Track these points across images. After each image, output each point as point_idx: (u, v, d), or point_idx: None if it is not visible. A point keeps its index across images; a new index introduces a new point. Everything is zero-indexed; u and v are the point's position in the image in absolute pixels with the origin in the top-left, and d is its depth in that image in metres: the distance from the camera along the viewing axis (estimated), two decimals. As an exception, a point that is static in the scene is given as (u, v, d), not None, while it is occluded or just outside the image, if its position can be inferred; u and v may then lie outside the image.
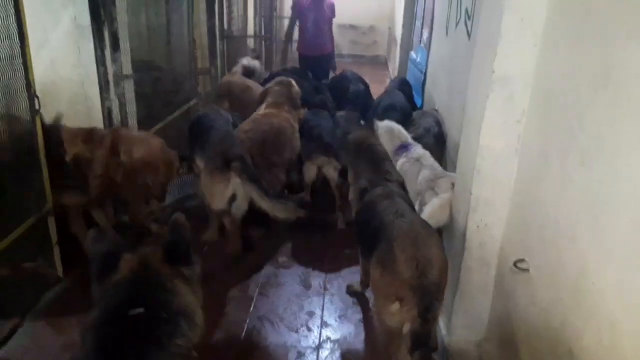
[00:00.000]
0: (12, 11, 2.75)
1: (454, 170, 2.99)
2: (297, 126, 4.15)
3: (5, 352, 2.61)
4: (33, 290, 3.06)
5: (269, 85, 4.36)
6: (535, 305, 1.87)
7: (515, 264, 1.99)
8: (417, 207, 2.95)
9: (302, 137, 4.12)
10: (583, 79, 1.60)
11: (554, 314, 1.72)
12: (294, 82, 4.38)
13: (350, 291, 3.20)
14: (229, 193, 3.30)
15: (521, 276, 2.00)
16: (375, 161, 2.89)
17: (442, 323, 2.66)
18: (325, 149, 3.91)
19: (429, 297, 2.02)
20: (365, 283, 3.06)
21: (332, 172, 3.95)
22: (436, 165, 3.30)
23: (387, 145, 3.46)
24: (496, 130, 2.12)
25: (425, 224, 2.35)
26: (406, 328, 2.07)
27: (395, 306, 2.09)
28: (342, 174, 3.69)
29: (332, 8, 6.19)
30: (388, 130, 3.61)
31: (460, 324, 2.49)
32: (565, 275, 1.65)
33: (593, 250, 1.49)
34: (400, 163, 3.39)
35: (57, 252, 3.17)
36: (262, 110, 4.17)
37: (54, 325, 2.80)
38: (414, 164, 3.30)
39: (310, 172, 4.03)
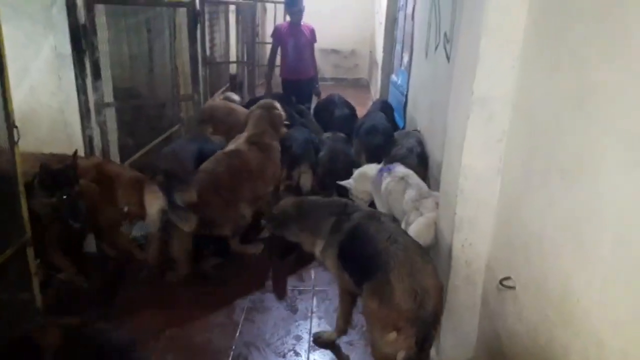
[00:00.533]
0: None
1: (437, 189, 3.01)
2: (274, 154, 4.04)
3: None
4: (13, 322, 2.97)
5: (252, 109, 4.29)
6: (522, 323, 1.87)
7: (501, 282, 2.00)
8: (403, 226, 2.99)
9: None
10: (560, 99, 1.64)
11: (540, 331, 1.72)
12: (276, 104, 4.28)
13: (320, 341, 2.92)
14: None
15: (507, 294, 2.01)
16: (324, 203, 2.85)
17: (431, 344, 2.64)
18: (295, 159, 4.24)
19: (427, 327, 2.05)
20: (341, 330, 2.87)
21: (304, 179, 4.29)
22: (422, 184, 3.32)
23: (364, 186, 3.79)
24: (477, 150, 2.15)
25: (419, 248, 2.33)
26: (400, 355, 2.07)
27: (392, 335, 2.09)
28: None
29: (312, 33, 6.28)
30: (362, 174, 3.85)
31: (449, 343, 2.47)
32: (550, 293, 1.65)
33: (577, 267, 1.50)
34: (385, 183, 3.41)
35: (36, 282, 3.09)
36: (236, 142, 3.96)
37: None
38: (399, 182, 3.31)
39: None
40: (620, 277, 1.30)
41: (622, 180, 1.30)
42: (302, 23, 6.11)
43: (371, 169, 3.75)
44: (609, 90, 1.36)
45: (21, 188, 2.98)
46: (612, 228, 1.34)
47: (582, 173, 1.50)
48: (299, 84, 6.22)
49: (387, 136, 4.36)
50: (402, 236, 2.37)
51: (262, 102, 4.32)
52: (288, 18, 6.32)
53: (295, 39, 6.08)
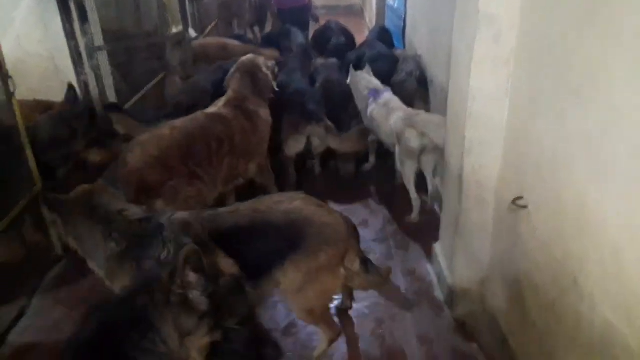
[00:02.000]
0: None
1: (441, 113, 3.00)
2: (262, 125, 3.37)
3: (18, 332, 2.62)
4: (36, 270, 3.05)
5: (230, 73, 3.50)
6: (536, 240, 1.91)
7: (513, 202, 2.02)
8: (397, 149, 3.44)
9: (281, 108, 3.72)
10: (570, 14, 1.58)
11: (555, 246, 1.76)
12: (259, 63, 3.50)
13: None
14: None
15: (520, 213, 2.04)
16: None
17: (444, 264, 2.73)
18: (310, 117, 3.73)
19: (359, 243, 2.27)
20: None
21: (317, 142, 3.80)
22: (404, 106, 3.57)
23: (361, 91, 3.84)
24: (485, 71, 2.10)
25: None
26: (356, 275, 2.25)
27: (342, 270, 2.19)
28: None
29: None
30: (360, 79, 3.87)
31: (462, 264, 2.55)
32: (565, 208, 1.68)
33: (592, 181, 1.51)
34: (370, 110, 3.73)
35: (53, 231, 3.14)
36: (216, 105, 3.31)
37: (62, 302, 2.82)
38: (381, 109, 3.61)
39: (297, 144, 3.79)
40: (637, 186, 1.32)
41: (637, 91, 1.28)
42: None
43: (368, 79, 3.90)
44: (623, 1, 1.31)
45: (25, 139, 2.96)
46: (628, 139, 1.33)
47: (594, 87, 1.47)
48: (294, 12, 6.04)
49: (391, 63, 4.26)
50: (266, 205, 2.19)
51: (241, 62, 3.51)
52: None
53: None
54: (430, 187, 3.60)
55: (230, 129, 3.10)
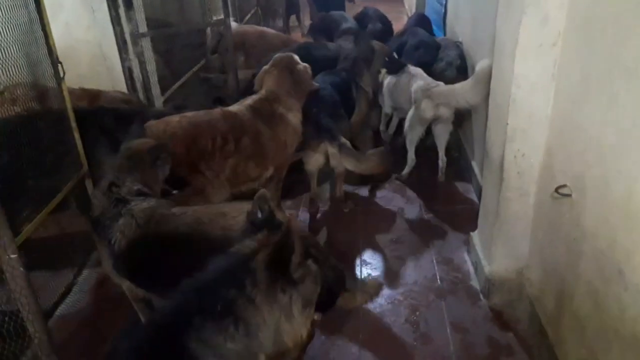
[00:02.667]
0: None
1: (485, 103, 2.95)
2: (282, 129, 3.09)
3: (64, 308, 2.75)
4: (82, 249, 3.17)
5: (264, 68, 3.27)
6: (579, 229, 1.87)
7: (556, 190, 1.98)
8: (410, 115, 3.68)
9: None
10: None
11: (600, 235, 1.72)
12: (296, 58, 3.29)
13: None
14: None
15: (563, 202, 2.00)
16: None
17: (482, 253, 2.70)
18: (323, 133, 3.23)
19: None
20: None
21: (334, 162, 3.27)
22: (426, 76, 3.77)
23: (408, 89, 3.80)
24: (531, 56, 2.06)
25: None
26: None
27: None
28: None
29: None
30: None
31: (500, 253, 2.51)
32: (611, 196, 1.63)
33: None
34: (386, 81, 4.04)
35: (98, 211, 3.26)
36: (241, 103, 3.11)
37: (107, 279, 2.93)
38: (406, 77, 3.84)
39: (314, 161, 3.36)
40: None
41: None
42: None
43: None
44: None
45: (73, 124, 3.07)
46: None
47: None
48: None
49: (434, 51, 4.20)
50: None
51: (277, 57, 3.29)
52: None
53: None
54: (440, 163, 3.80)
55: (241, 129, 2.91)
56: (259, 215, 1.50)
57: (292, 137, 3.14)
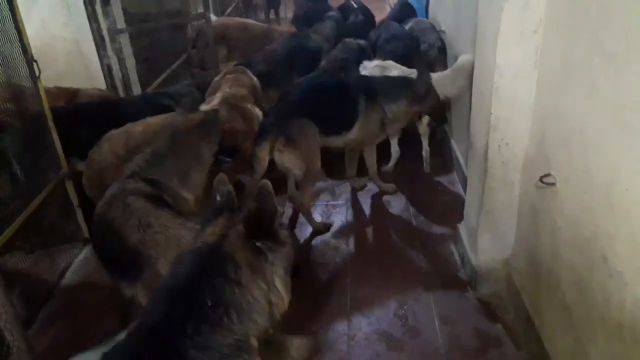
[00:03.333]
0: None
1: (468, 92, 2.94)
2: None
3: (47, 313, 2.70)
4: (64, 254, 3.12)
5: (215, 79, 3.35)
6: (564, 218, 1.86)
7: (541, 179, 1.96)
8: None
9: None
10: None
11: (584, 223, 1.71)
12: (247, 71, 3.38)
13: None
14: None
15: (547, 191, 1.98)
16: None
17: (468, 244, 2.69)
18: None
19: None
20: None
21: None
22: (399, 66, 3.35)
23: None
24: (513, 43, 2.03)
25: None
26: None
27: None
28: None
29: None
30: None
31: (486, 243, 2.51)
32: (594, 184, 1.62)
33: (624, 155, 1.45)
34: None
35: (79, 214, 3.20)
36: (210, 102, 3.05)
37: (89, 284, 2.88)
38: (374, 69, 3.30)
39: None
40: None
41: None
42: None
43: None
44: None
45: (50, 124, 3.00)
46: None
47: (629, 56, 1.40)
48: None
49: (408, 42, 4.16)
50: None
51: (231, 67, 3.46)
52: None
53: None
54: (424, 154, 3.79)
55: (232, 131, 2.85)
56: (218, 198, 1.46)
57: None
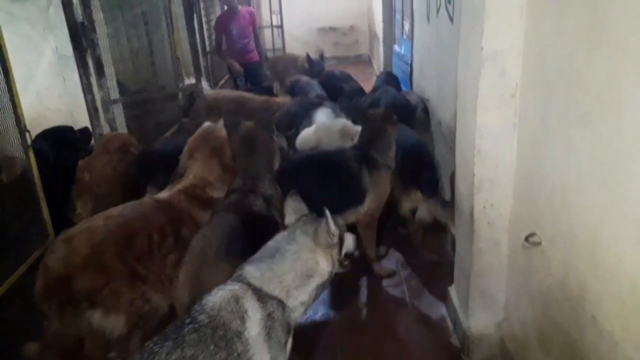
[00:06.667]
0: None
1: (451, 154, 2.99)
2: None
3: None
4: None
5: (184, 152, 3.03)
6: (552, 277, 1.85)
7: (526, 239, 1.97)
8: None
9: None
10: (575, 41, 1.59)
11: (571, 283, 1.70)
12: (217, 132, 3.03)
13: None
14: None
15: (534, 251, 1.98)
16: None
17: (459, 308, 2.64)
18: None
19: None
20: None
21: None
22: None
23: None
24: (492, 107, 2.10)
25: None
26: None
27: None
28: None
29: (252, 16, 6.42)
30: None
31: (478, 307, 2.46)
32: (578, 242, 1.63)
33: (605, 211, 1.47)
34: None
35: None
36: (171, 188, 2.79)
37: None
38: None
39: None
40: (653, 218, 1.28)
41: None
42: (240, 8, 6.22)
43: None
44: (629, 21, 1.30)
45: (40, 192, 3.02)
46: (640, 165, 1.30)
47: (603, 113, 1.45)
48: (247, 67, 6.28)
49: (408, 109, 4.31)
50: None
51: (198, 136, 3.04)
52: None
53: (236, 24, 6.14)
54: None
55: (178, 219, 2.61)
56: None
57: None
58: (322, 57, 6.89)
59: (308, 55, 6.27)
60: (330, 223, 1.81)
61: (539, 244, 1.94)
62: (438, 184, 3.31)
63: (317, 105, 4.20)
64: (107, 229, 2.35)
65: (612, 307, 1.46)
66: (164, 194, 2.73)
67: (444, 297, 2.96)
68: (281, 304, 1.71)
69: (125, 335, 2.33)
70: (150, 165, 3.31)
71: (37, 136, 3.32)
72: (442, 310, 2.93)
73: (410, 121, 4.07)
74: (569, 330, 1.73)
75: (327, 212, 1.83)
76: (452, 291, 2.80)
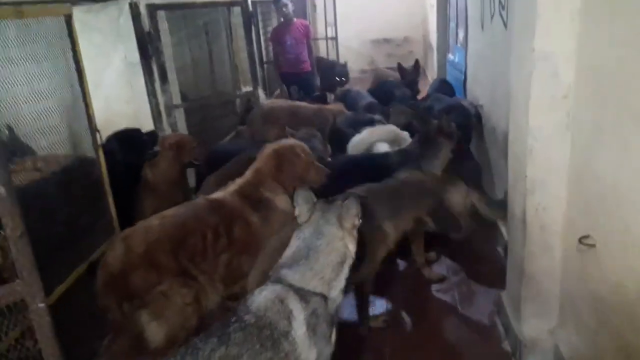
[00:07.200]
0: (71, 59, 2.98)
1: (504, 159, 2.97)
2: (275, 217, 2.74)
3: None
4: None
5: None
6: (607, 281, 1.81)
7: (580, 240, 1.94)
8: None
9: None
10: (625, 43, 1.58)
11: (627, 285, 1.66)
12: (296, 148, 2.91)
13: None
14: None
15: (588, 253, 1.95)
16: None
17: (511, 314, 2.61)
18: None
19: None
20: None
21: None
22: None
23: None
24: (544, 108, 2.09)
25: None
26: None
27: None
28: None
29: (306, 28, 6.55)
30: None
31: (530, 312, 2.42)
32: (634, 242, 1.60)
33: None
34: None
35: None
36: (225, 189, 2.79)
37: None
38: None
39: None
40: None
41: None
42: (294, 20, 6.37)
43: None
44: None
45: (108, 188, 3.22)
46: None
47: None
48: (297, 77, 6.39)
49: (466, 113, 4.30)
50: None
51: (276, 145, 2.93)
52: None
53: (290, 35, 6.30)
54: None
55: (230, 219, 2.61)
56: None
57: (280, 223, 2.68)
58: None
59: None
60: (354, 206, 1.83)
61: (593, 245, 1.90)
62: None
63: (368, 122, 4.25)
64: (162, 228, 2.43)
65: (668, 308, 1.43)
66: (218, 194, 2.75)
67: (496, 303, 2.92)
68: (324, 298, 1.75)
69: (161, 350, 2.28)
70: (217, 162, 3.51)
71: (108, 137, 3.56)
72: (494, 316, 2.88)
73: (467, 127, 4.06)
74: (624, 333, 1.69)
75: (353, 196, 1.87)
76: (504, 296, 2.76)
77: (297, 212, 1.92)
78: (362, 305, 2.83)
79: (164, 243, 2.37)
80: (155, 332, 2.30)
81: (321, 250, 1.79)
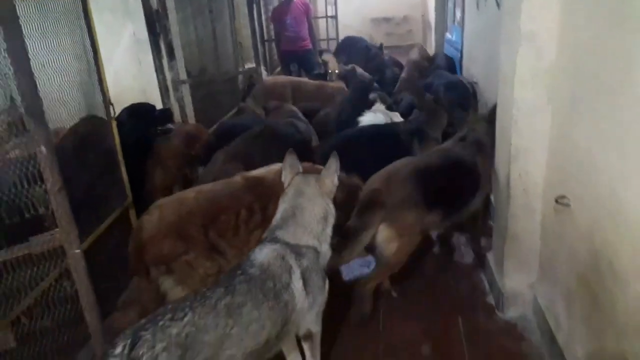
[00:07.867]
0: (86, 34, 3.15)
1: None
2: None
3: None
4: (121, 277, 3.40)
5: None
6: (579, 234, 2.03)
7: (556, 200, 2.16)
8: None
9: None
10: (603, 20, 1.77)
11: (595, 237, 1.88)
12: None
13: None
14: None
15: (564, 214, 2.16)
16: None
17: (495, 270, 2.85)
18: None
19: None
20: None
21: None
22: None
23: None
24: (528, 83, 2.30)
25: None
26: None
27: None
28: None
29: (307, 6, 6.66)
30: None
31: (512, 268, 2.66)
32: (601, 201, 1.81)
33: (624, 177, 1.65)
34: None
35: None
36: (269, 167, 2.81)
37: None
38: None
39: None
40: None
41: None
42: None
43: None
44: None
45: (120, 157, 3.42)
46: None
47: (625, 83, 1.62)
48: (297, 55, 6.58)
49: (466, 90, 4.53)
50: None
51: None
52: None
53: (290, 14, 6.43)
54: None
55: (267, 196, 2.58)
56: None
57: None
58: (381, 48, 7.14)
59: (421, 47, 6.54)
60: (334, 163, 2.08)
61: (568, 205, 2.12)
62: None
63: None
64: (196, 202, 2.53)
65: (626, 252, 1.65)
66: (259, 171, 2.80)
67: (482, 263, 3.17)
68: (315, 252, 2.01)
69: None
70: (226, 137, 3.77)
71: (122, 110, 3.76)
72: (480, 273, 3.14)
73: (466, 101, 4.28)
74: (590, 278, 1.92)
75: (333, 158, 2.08)
76: (490, 256, 3.00)
77: (282, 178, 2.17)
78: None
79: (195, 216, 2.47)
80: (176, 296, 2.40)
81: (304, 207, 2.04)
